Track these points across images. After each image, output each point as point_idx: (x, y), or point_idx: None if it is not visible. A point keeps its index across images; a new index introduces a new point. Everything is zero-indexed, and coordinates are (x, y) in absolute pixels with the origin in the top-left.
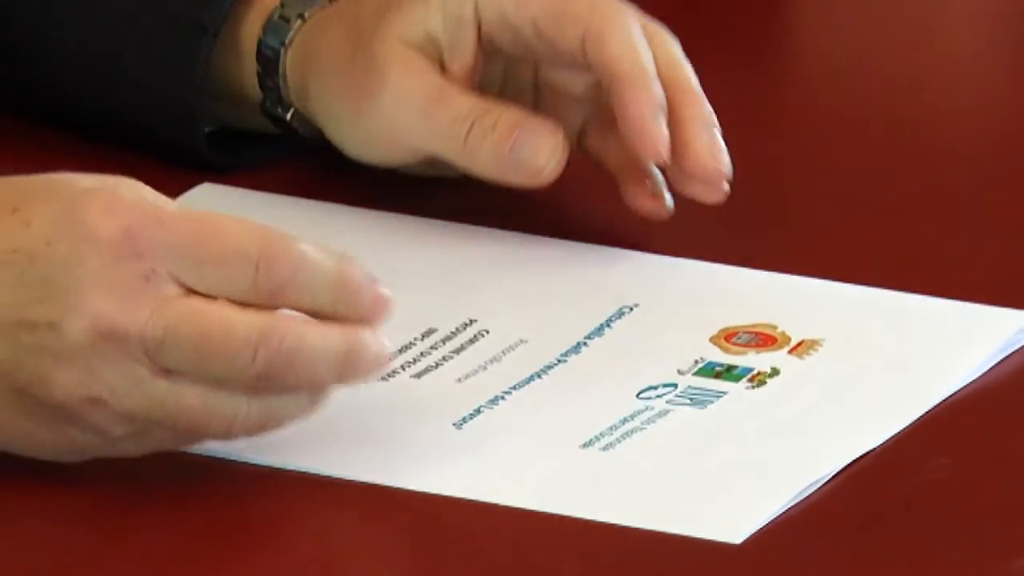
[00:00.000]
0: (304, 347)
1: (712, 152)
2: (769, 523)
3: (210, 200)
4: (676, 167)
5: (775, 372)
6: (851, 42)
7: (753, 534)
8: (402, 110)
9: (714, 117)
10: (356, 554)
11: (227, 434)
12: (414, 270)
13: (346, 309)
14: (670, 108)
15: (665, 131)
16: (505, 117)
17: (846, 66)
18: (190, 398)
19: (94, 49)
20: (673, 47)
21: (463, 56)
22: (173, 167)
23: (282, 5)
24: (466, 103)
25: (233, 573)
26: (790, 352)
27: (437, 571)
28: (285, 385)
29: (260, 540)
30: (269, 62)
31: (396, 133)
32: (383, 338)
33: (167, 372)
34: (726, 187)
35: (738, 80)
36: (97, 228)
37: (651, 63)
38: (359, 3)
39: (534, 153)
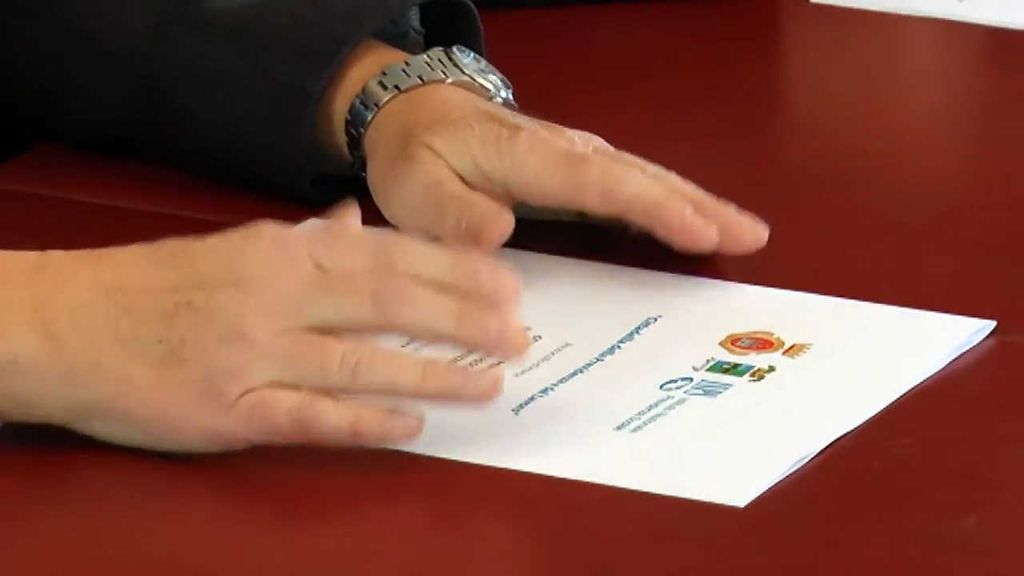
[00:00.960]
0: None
1: (749, 231)
2: (768, 490)
3: None
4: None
5: (772, 369)
6: (832, 98)
7: (755, 499)
8: (412, 204)
9: (724, 205)
10: (439, 516)
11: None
12: None
13: (464, 280)
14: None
15: (705, 223)
16: (477, 208)
17: (826, 118)
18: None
19: (223, 114)
20: (672, 176)
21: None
22: (287, 205)
23: (363, 91)
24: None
25: (346, 534)
26: (784, 353)
27: (503, 527)
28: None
29: (365, 506)
30: (353, 139)
31: (408, 219)
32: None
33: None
34: (764, 236)
35: (736, 131)
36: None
37: (665, 190)
38: (418, 108)
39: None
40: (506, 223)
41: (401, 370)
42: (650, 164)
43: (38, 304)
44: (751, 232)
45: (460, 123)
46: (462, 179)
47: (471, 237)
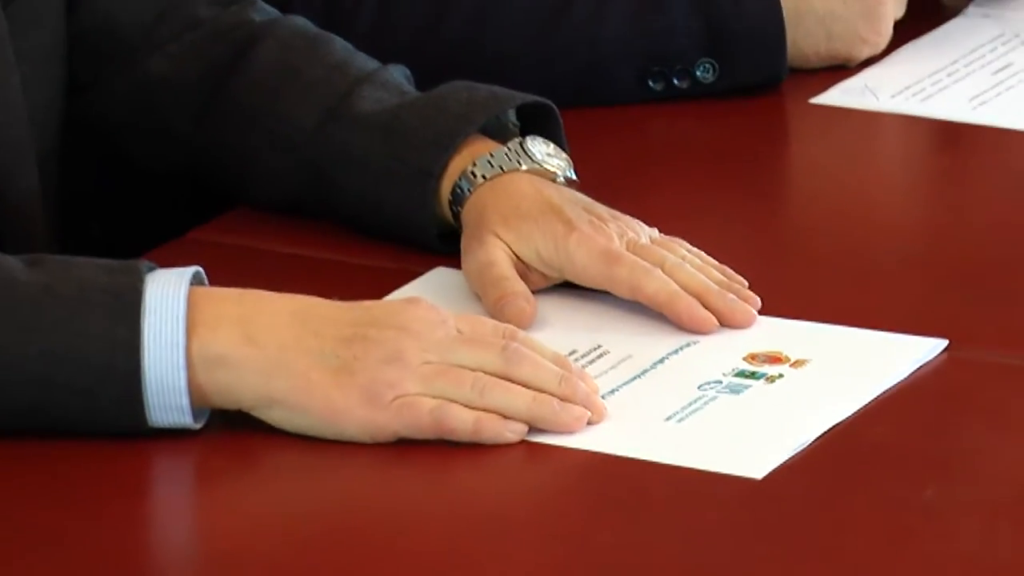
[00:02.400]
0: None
1: (741, 315)
2: (779, 465)
3: (443, 277)
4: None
5: (781, 376)
6: (823, 176)
7: (770, 472)
8: (472, 275)
9: (724, 293)
10: (537, 482)
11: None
12: (561, 316)
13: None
14: (701, 301)
15: (707, 315)
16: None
17: (817, 190)
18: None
19: (369, 188)
20: (687, 262)
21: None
22: (420, 255)
23: (460, 177)
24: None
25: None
26: (790, 366)
27: (580, 490)
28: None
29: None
30: (455, 214)
31: (471, 285)
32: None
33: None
34: (755, 316)
35: (749, 201)
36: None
37: (678, 288)
38: (497, 197)
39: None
40: (528, 318)
41: (516, 396)
42: (676, 246)
43: (243, 318)
44: (743, 315)
45: (527, 218)
46: (523, 262)
47: (503, 319)
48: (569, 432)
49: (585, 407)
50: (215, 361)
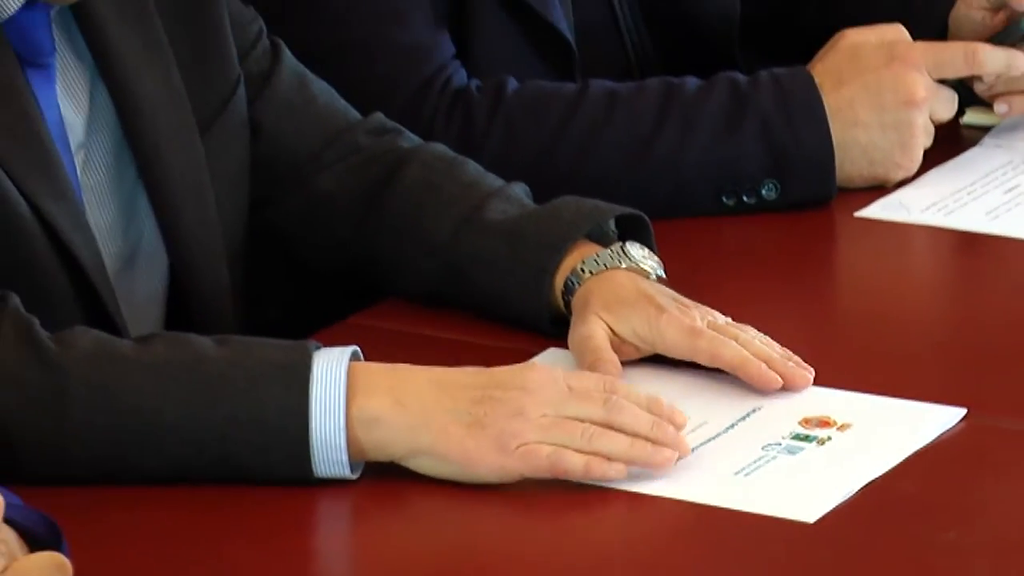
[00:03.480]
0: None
1: (800, 378)
2: (828, 511)
3: (553, 356)
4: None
5: (830, 439)
6: (863, 278)
7: (820, 517)
8: (574, 344)
9: (786, 361)
10: (627, 528)
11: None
12: (651, 389)
13: (654, 407)
14: (768, 365)
15: (773, 375)
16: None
17: (856, 289)
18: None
19: (496, 283)
20: (756, 337)
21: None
22: (535, 338)
23: (571, 273)
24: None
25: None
26: (837, 430)
27: (666, 533)
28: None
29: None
30: (566, 303)
31: (574, 353)
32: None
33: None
34: (810, 380)
35: (802, 298)
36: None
37: (750, 355)
38: (600, 288)
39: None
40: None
41: (617, 443)
42: (744, 328)
43: (393, 387)
44: (801, 378)
45: (625, 303)
46: (619, 337)
47: None
48: (661, 469)
49: (674, 446)
50: (370, 422)
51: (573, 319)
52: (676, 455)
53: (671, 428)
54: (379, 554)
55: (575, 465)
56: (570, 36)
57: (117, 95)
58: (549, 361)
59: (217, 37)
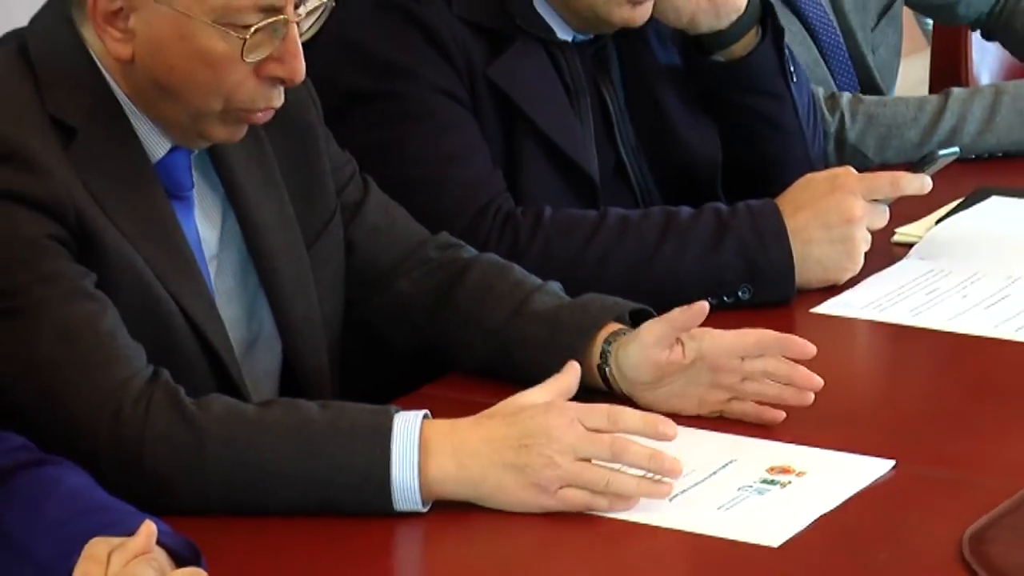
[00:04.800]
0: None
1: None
2: (789, 538)
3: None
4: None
5: (790, 483)
6: (820, 358)
7: (784, 542)
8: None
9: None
10: (627, 550)
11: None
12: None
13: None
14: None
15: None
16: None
17: (815, 366)
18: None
19: (538, 363)
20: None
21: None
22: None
23: (602, 347)
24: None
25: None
26: (796, 475)
27: (658, 554)
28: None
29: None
30: (600, 369)
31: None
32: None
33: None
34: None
35: None
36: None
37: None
38: (618, 352)
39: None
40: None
41: (628, 483)
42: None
43: (456, 450)
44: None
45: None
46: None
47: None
48: (662, 496)
49: (670, 473)
50: (441, 480)
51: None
52: (673, 485)
53: (667, 455)
54: (446, 565)
55: (600, 504)
56: (594, 175)
57: (243, 220)
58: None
59: (319, 175)
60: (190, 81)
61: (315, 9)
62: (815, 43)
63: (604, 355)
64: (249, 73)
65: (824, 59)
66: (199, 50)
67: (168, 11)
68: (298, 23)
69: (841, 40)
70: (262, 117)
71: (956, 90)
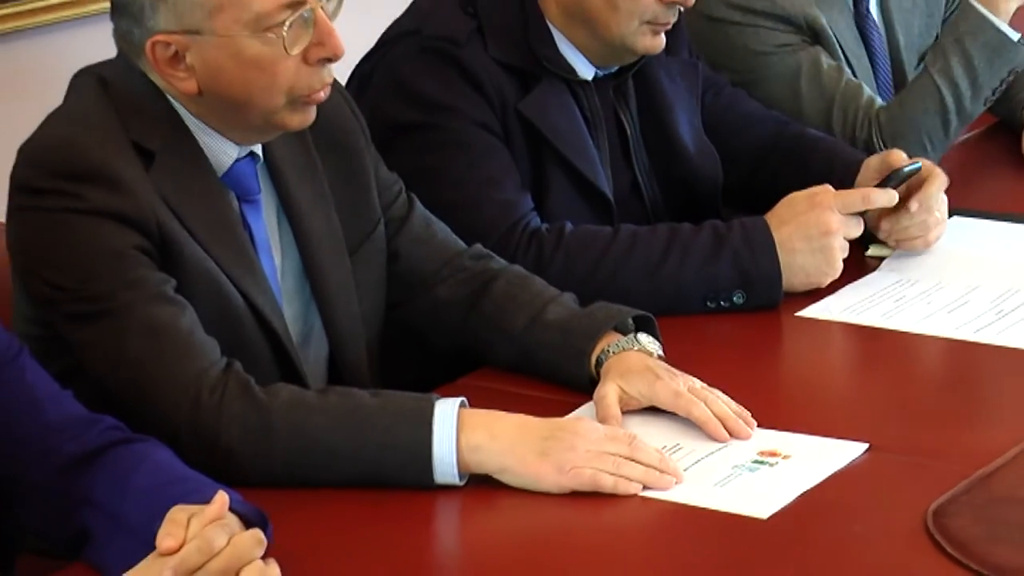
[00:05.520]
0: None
1: (744, 432)
2: (776, 511)
3: (590, 409)
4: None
5: (778, 463)
6: (800, 362)
7: (772, 514)
8: (597, 400)
9: (737, 419)
10: (633, 519)
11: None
12: (651, 426)
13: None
14: (723, 422)
15: (724, 433)
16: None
17: (798, 364)
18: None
19: (556, 362)
20: (720, 399)
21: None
22: (580, 395)
23: (602, 353)
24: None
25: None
26: (783, 458)
27: (660, 524)
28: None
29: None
30: (598, 372)
31: (596, 407)
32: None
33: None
34: (751, 433)
35: (752, 377)
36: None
37: (711, 415)
38: (617, 364)
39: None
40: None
41: (636, 469)
42: (714, 391)
43: (488, 425)
44: (744, 433)
45: (634, 372)
46: (627, 394)
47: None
48: (664, 488)
49: (672, 474)
50: (474, 448)
51: (600, 382)
52: (674, 480)
53: (672, 460)
54: (477, 533)
55: (607, 483)
56: (610, 195)
57: (295, 228)
58: (587, 413)
59: (364, 190)
60: (253, 88)
61: None
62: (873, 70)
63: (600, 361)
64: (299, 63)
65: (876, 81)
66: (250, 60)
67: (213, 39)
68: (323, 7)
69: (890, 70)
70: (323, 95)
71: (928, 67)
